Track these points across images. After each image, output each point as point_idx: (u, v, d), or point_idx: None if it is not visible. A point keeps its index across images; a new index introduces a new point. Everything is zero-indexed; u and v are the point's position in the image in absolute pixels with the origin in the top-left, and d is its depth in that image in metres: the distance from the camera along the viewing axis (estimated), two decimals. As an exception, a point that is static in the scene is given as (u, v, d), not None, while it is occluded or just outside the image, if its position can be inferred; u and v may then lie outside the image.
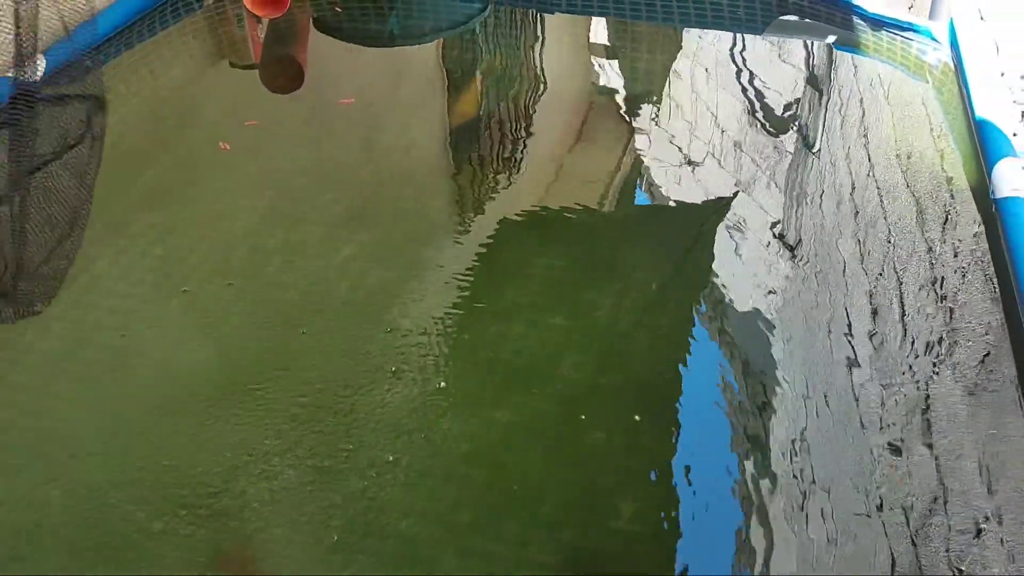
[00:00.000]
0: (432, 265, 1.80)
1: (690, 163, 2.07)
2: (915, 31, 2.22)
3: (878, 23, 2.29)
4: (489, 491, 1.36)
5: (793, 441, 1.40)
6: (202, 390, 1.50)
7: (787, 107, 2.23)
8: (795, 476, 1.35)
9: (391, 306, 1.69)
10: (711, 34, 2.62)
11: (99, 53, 2.33)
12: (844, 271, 1.69)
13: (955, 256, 1.69)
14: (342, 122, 2.27)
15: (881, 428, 1.39)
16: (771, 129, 2.14)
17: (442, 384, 1.50)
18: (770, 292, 1.69)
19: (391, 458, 1.37)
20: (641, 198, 2.07)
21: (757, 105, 2.25)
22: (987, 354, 1.49)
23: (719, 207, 1.91)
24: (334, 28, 2.80)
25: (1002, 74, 2.08)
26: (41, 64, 2.16)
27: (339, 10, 2.80)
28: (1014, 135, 1.95)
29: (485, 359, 1.58)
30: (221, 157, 2.12)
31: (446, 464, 1.39)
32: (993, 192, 1.69)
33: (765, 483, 1.34)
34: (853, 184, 1.89)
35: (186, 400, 1.48)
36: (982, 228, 1.70)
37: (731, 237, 1.83)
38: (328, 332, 1.63)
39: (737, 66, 2.44)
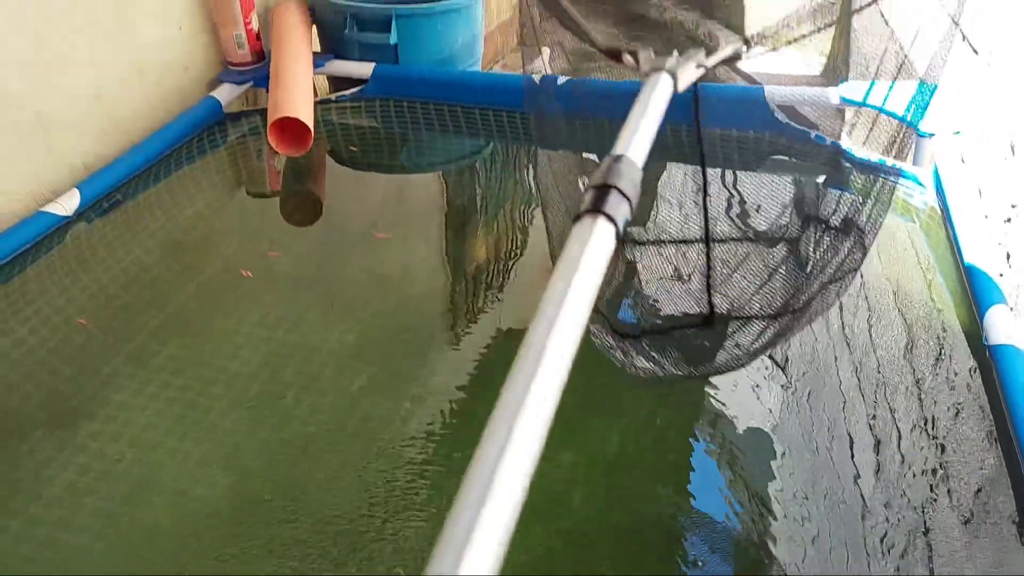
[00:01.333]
0: (441, 397, 1.86)
1: (682, 280, 2.15)
2: (901, 175, 2.35)
3: (865, 167, 2.41)
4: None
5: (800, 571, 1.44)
6: (219, 526, 1.54)
7: (780, 236, 2.31)
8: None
9: (401, 439, 1.74)
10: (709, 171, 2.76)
11: (128, 187, 2.47)
12: (841, 398, 1.75)
13: (950, 391, 1.76)
14: (354, 253, 2.37)
15: (883, 559, 1.43)
16: (766, 264, 2.22)
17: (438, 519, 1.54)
18: (769, 420, 1.74)
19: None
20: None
21: (750, 234, 2.34)
22: (980, 490, 1.54)
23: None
24: (351, 161, 2.96)
25: (986, 216, 2.19)
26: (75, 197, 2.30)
27: (354, 149, 2.96)
28: (1000, 275, 2.05)
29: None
30: (240, 288, 2.21)
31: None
32: (987, 338, 1.77)
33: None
34: (845, 313, 1.96)
35: (202, 537, 1.52)
36: (976, 369, 1.77)
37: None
38: (342, 466, 1.68)
39: (730, 194, 2.54)
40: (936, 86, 2.35)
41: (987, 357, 1.75)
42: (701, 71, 1.11)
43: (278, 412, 1.82)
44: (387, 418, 1.80)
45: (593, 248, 0.77)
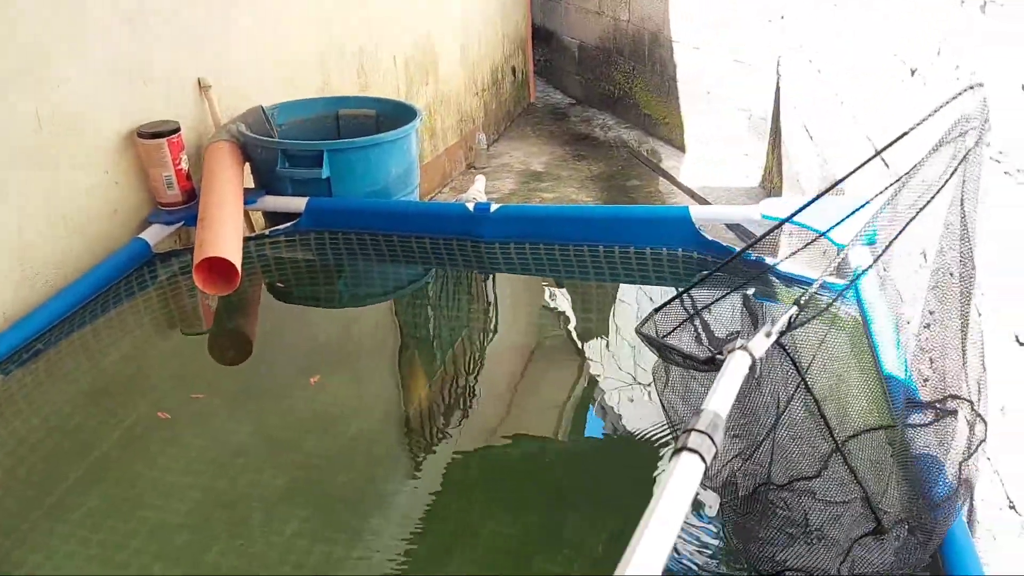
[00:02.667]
0: (376, 538, 1.81)
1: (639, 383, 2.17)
2: (823, 286, 2.39)
3: (790, 279, 2.47)
4: None
5: None
6: None
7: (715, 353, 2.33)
8: None
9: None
10: (643, 288, 2.81)
11: (51, 335, 2.42)
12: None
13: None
14: (287, 393, 2.33)
15: None
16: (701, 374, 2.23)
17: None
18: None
19: None
20: (593, 427, 2.17)
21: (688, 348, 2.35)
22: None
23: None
24: (286, 295, 2.95)
25: (908, 322, 2.24)
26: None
27: (281, 284, 2.96)
28: (925, 381, 2.07)
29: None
30: (167, 432, 2.15)
31: None
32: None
33: None
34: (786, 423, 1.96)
35: None
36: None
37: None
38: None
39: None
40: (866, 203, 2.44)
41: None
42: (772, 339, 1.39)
43: (203, 565, 1.74)
44: (321, 564, 1.73)
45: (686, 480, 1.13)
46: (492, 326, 2.73)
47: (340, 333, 2.77)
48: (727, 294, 1.81)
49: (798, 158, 4.10)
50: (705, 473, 1.13)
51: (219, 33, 3.20)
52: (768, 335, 1.38)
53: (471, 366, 2.49)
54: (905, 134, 1.66)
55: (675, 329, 1.66)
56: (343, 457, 2.10)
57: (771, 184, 4.92)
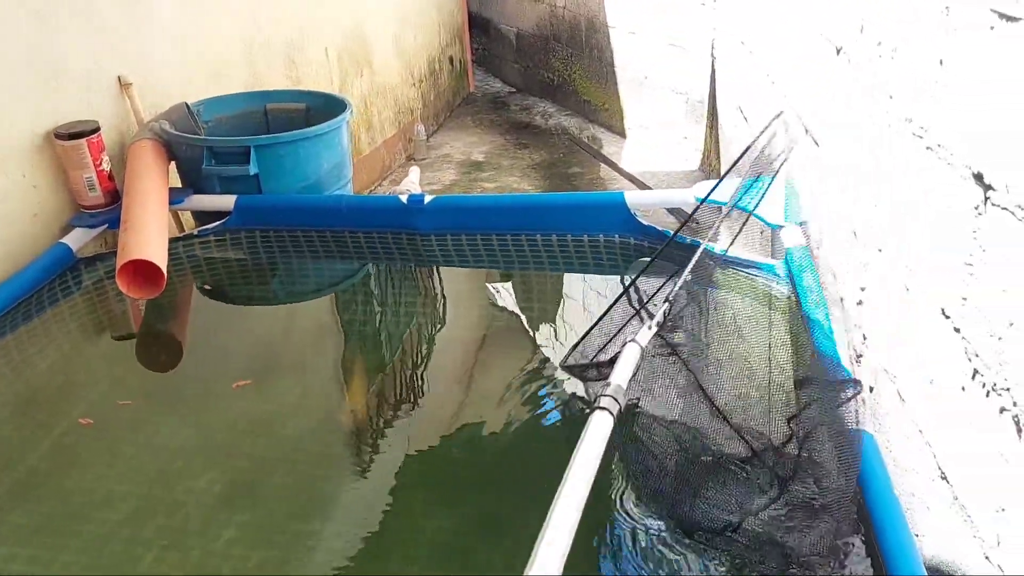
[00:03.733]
0: (316, 540, 1.77)
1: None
2: (758, 267, 2.42)
3: (726, 261, 2.48)
4: None
5: None
6: None
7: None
8: None
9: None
10: (578, 276, 2.80)
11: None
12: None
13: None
14: (222, 396, 2.27)
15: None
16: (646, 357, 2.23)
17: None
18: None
19: None
20: (536, 414, 2.14)
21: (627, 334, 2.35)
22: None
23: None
24: (218, 295, 2.88)
25: (841, 299, 2.27)
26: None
27: (208, 287, 2.89)
28: (859, 357, 2.10)
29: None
30: (99, 442, 2.09)
31: None
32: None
33: None
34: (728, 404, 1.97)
35: None
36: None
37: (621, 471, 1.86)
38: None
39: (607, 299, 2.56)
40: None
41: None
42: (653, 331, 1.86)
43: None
44: (259, 569, 1.70)
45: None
46: (432, 320, 2.71)
47: (275, 333, 2.72)
48: (665, 282, 2.06)
49: (735, 140, 4.13)
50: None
51: (139, 27, 3.10)
52: (651, 328, 1.86)
53: (410, 362, 2.46)
54: (740, 158, 2.38)
55: (616, 334, 1.96)
56: (282, 459, 2.05)
57: (710, 166, 4.95)
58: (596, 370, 1.87)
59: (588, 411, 1.58)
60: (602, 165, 5.59)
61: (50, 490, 1.93)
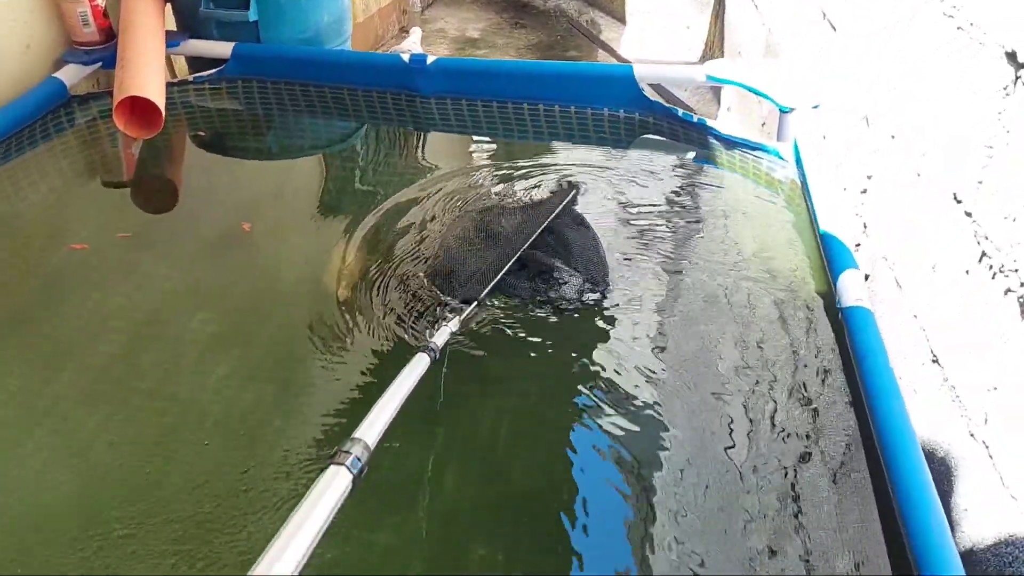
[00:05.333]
0: (309, 383, 1.79)
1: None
2: (764, 150, 2.40)
3: (731, 143, 2.45)
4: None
5: (678, 541, 1.43)
6: (67, 530, 1.43)
7: (654, 213, 2.32)
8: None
9: (266, 427, 1.66)
10: (581, 149, 2.76)
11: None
12: (719, 374, 1.77)
13: (814, 358, 1.80)
14: (217, 241, 2.25)
15: (756, 520, 1.45)
16: (640, 238, 2.23)
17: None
18: (652, 395, 1.74)
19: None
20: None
21: (626, 210, 2.34)
22: (848, 447, 1.59)
23: (595, 312, 1.97)
24: (211, 145, 2.82)
25: (844, 189, 2.26)
26: None
27: (202, 134, 2.82)
28: (858, 246, 2.11)
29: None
30: (91, 278, 2.07)
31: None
32: (839, 301, 1.82)
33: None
34: (724, 291, 1.99)
35: (49, 543, 1.40)
36: (832, 334, 1.81)
37: (606, 343, 1.88)
38: (200, 459, 1.58)
39: (608, 175, 2.54)
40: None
41: (840, 319, 1.81)
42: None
43: (131, 405, 1.70)
44: (252, 406, 1.71)
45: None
46: (427, 184, 2.67)
47: (269, 186, 2.67)
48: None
49: (741, 28, 4.04)
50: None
51: None
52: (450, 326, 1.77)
53: (400, 223, 2.43)
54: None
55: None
56: (274, 305, 2.05)
57: (712, 57, 4.86)
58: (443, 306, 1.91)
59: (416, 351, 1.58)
60: (599, 51, 5.47)
61: (43, 322, 1.93)
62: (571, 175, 2.53)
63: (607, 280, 2.03)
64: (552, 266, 2.03)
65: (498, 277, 1.97)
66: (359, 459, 1.22)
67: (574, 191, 2.37)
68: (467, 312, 1.85)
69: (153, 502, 1.49)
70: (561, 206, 2.24)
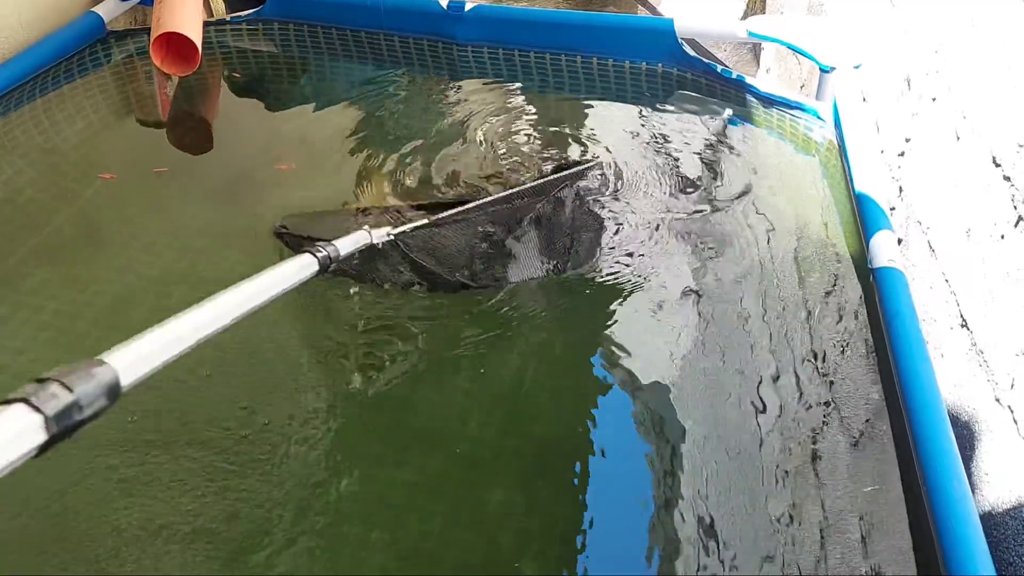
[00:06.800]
0: (332, 323, 1.81)
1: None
2: (802, 109, 2.36)
3: (769, 101, 2.42)
4: (387, 552, 1.36)
5: (697, 499, 1.44)
6: (105, 449, 1.47)
7: (689, 173, 2.30)
8: (699, 536, 1.38)
9: (293, 364, 1.69)
10: (617, 104, 2.73)
11: (-1, 104, 2.30)
12: (745, 333, 1.76)
13: (840, 320, 1.79)
14: (249, 182, 2.26)
15: (777, 484, 1.45)
16: (674, 194, 2.21)
17: (344, 443, 1.51)
18: (675, 351, 1.74)
19: (286, 515, 1.36)
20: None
21: (661, 166, 2.32)
22: (869, 406, 1.58)
23: (625, 269, 1.97)
24: (246, 88, 2.82)
25: (881, 151, 2.22)
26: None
27: (237, 76, 2.82)
28: (892, 209, 2.08)
29: (385, 421, 1.59)
30: (124, 213, 2.09)
31: (345, 525, 1.38)
32: (871, 262, 1.80)
33: (669, 543, 1.37)
34: (754, 250, 1.97)
35: (88, 458, 1.45)
36: (862, 295, 1.80)
37: (636, 300, 1.87)
38: (229, 386, 1.62)
39: (645, 131, 2.52)
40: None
41: (871, 281, 1.79)
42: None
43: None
44: (283, 346, 1.74)
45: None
46: (462, 133, 2.66)
47: (304, 129, 2.67)
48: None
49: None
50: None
51: None
52: (390, 235, 1.73)
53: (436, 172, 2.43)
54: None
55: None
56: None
57: (753, 15, 4.76)
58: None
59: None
60: (639, 7, 5.38)
61: (75, 254, 1.96)
62: (599, 134, 2.51)
63: (562, 267, 1.99)
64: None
65: (449, 213, 1.94)
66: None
67: (583, 167, 2.26)
68: (397, 231, 1.76)
69: (179, 420, 1.52)
70: (554, 177, 2.17)
